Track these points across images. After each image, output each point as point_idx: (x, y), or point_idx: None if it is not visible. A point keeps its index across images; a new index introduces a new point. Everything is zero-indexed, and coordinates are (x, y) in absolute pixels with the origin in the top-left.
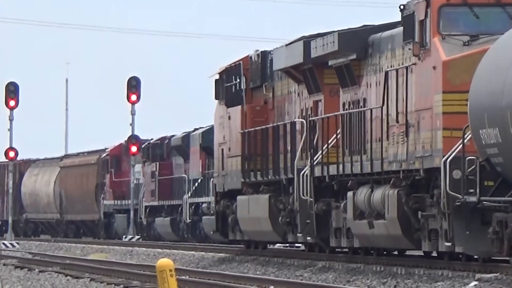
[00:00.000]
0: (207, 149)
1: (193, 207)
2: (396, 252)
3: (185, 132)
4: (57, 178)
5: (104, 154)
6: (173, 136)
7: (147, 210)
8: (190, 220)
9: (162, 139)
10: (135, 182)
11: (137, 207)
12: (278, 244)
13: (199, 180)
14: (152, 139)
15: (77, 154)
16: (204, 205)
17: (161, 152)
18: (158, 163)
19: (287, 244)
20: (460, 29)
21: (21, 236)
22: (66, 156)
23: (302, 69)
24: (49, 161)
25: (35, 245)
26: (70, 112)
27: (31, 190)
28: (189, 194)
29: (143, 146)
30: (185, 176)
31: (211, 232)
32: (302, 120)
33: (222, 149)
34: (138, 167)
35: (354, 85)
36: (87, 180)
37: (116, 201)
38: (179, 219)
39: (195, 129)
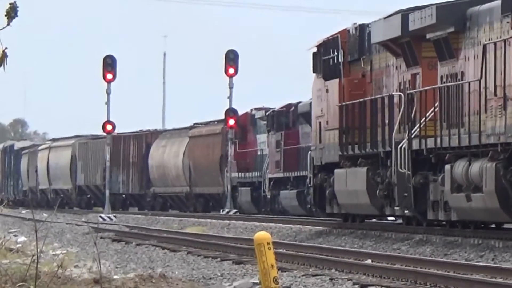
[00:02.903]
0: None
1: None
2: (493, 225)
3: None
4: (186, 148)
5: None
6: (299, 102)
7: (271, 182)
8: None
9: (288, 106)
10: (259, 153)
11: (261, 180)
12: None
13: None
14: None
15: (207, 123)
16: None
17: (286, 120)
18: (283, 132)
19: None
20: None
21: (145, 210)
22: (195, 125)
23: (400, 42)
24: (178, 131)
25: (132, 218)
26: (167, 86)
27: (158, 163)
28: None
29: (267, 114)
30: None
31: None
32: (400, 93)
33: (320, 122)
34: (262, 137)
35: (452, 58)
36: (213, 151)
37: (240, 173)
38: (306, 192)
39: None
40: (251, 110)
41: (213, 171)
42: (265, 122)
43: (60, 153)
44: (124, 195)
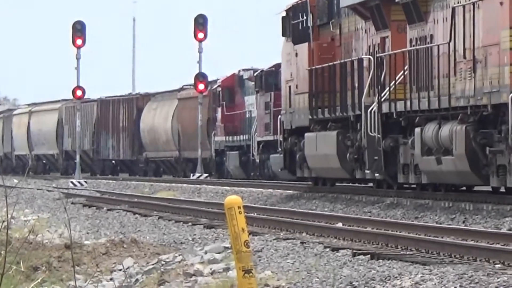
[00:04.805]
0: None
1: None
2: (464, 188)
3: None
4: (175, 112)
5: (216, 86)
6: None
7: (260, 146)
8: None
9: (277, 66)
10: (247, 116)
11: (249, 143)
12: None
13: None
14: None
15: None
16: None
17: (275, 80)
18: (272, 92)
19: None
20: None
21: (137, 176)
22: (184, 87)
23: (369, 6)
24: (168, 94)
25: (103, 184)
26: (137, 51)
27: (149, 127)
28: None
29: (255, 74)
30: None
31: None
32: (370, 56)
33: (290, 86)
34: (251, 99)
35: (421, 22)
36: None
37: (227, 137)
38: None
39: None
40: (239, 71)
41: (200, 135)
42: (253, 83)
43: (44, 117)
44: (114, 161)
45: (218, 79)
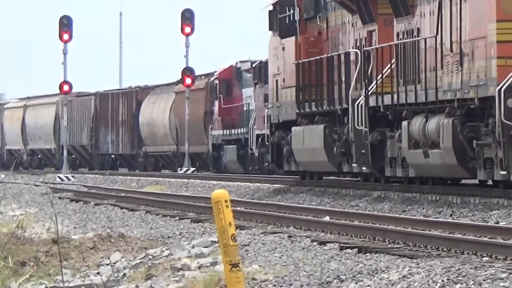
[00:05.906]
0: None
1: None
2: (451, 181)
3: None
4: (172, 105)
5: (213, 78)
6: None
7: (259, 139)
8: None
9: None
10: (245, 108)
11: (247, 137)
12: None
13: None
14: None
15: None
16: None
17: None
18: None
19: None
20: None
21: (136, 171)
22: (181, 80)
23: (356, 0)
24: (166, 87)
25: (90, 178)
26: (124, 45)
27: (148, 121)
28: None
29: (253, 66)
30: None
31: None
32: (356, 50)
33: (277, 80)
34: (249, 91)
35: (408, 15)
36: (197, 107)
37: (225, 130)
38: None
39: None
40: (236, 63)
41: (197, 129)
42: (252, 75)
43: (40, 111)
44: (113, 156)
45: (215, 72)
